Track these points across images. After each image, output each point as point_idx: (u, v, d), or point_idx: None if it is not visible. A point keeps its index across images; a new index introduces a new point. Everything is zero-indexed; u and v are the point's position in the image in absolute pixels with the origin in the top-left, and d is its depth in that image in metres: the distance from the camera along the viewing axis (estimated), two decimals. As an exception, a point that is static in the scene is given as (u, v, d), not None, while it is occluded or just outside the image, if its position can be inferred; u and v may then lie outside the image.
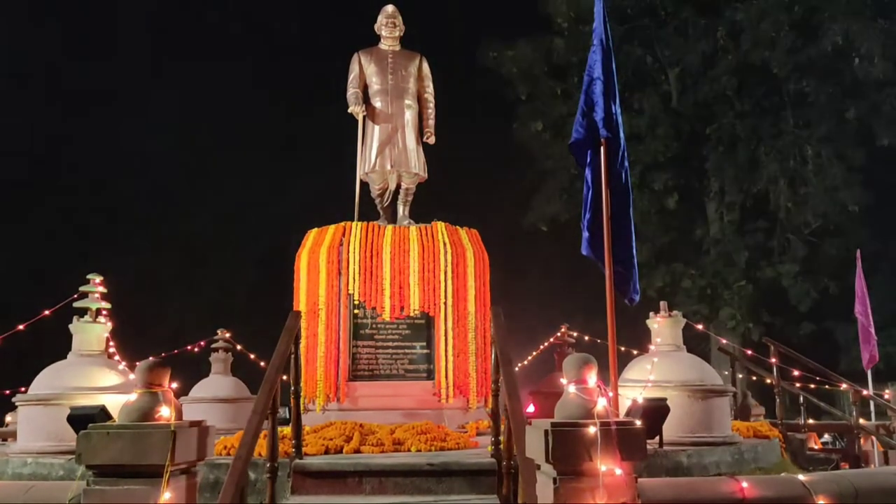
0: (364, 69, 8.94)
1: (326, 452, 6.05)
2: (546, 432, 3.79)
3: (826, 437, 13.78)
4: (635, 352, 9.28)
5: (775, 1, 18.44)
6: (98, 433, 3.98)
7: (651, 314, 7.79)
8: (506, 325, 5.46)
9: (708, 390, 7.12)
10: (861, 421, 10.08)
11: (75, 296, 7.42)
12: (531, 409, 9.98)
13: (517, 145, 21.79)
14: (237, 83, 24.09)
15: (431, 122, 9.00)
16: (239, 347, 10.06)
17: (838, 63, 18.62)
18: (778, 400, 9.47)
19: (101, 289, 7.47)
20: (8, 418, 10.62)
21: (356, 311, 7.95)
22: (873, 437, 10.08)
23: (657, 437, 6.45)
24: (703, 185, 20.35)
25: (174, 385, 4.45)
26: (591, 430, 3.75)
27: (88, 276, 7.48)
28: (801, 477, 5.17)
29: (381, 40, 9.08)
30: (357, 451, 6.16)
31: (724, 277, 19.23)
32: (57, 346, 7.32)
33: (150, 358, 4.43)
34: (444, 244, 8.03)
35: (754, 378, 11.32)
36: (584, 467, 3.76)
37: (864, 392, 10.42)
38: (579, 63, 19.77)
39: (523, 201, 21.77)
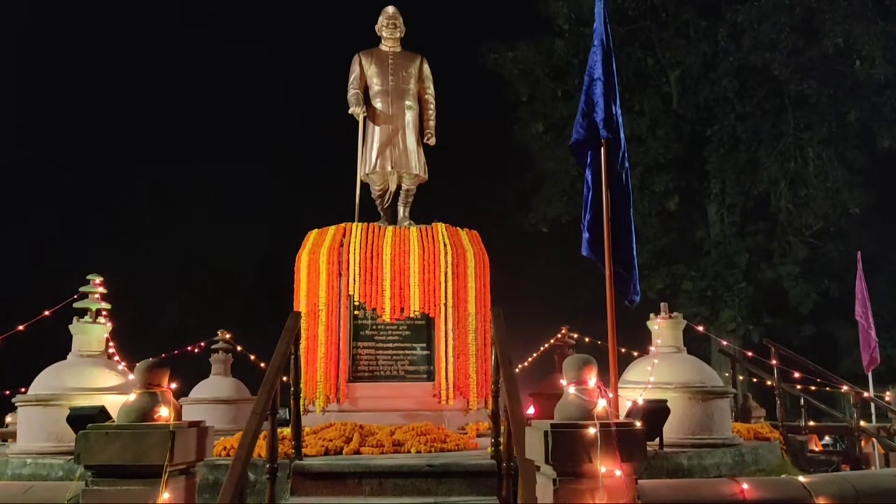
0: (365, 70, 8.94)
1: (326, 453, 6.04)
2: (546, 433, 3.78)
3: (827, 439, 13.76)
4: (636, 353, 9.27)
5: (776, 3, 18.43)
6: (97, 433, 3.98)
7: (651, 316, 7.77)
8: (506, 327, 5.46)
9: (708, 392, 7.11)
10: (862, 423, 10.07)
11: (75, 296, 7.41)
12: (531, 410, 9.97)
13: (518, 146, 21.82)
14: (236, 83, 24.10)
15: (432, 123, 9.00)
16: (239, 348, 10.05)
17: (839, 65, 18.62)
18: (778, 402, 9.46)
19: (101, 289, 7.46)
20: (8, 419, 10.62)
21: (356, 312, 7.94)
22: (874, 440, 10.05)
23: (657, 439, 6.44)
24: (703, 186, 20.35)
25: (173, 385, 4.45)
26: (591, 431, 3.75)
27: (88, 277, 7.47)
28: (801, 479, 5.17)
29: (382, 41, 9.08)
30: (357, 452, 6.15)
31: (725, 279, 19.22)
32: (57, 346, 7.31)
33: (150, 358, 4.43)
34: (445, 245, 8.02)
35: (755, 380, 11.31)
36: (584, 469, 3.75)
37: (865, 394, 10.40)
38: (580, 64, 19.80)
39: (524, 202, 21.79)
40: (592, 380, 4.10)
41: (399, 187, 8.93)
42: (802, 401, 10.06)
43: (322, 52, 20.82)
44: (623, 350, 8.89)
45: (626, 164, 5.75)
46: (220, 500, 4.18)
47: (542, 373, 11.66)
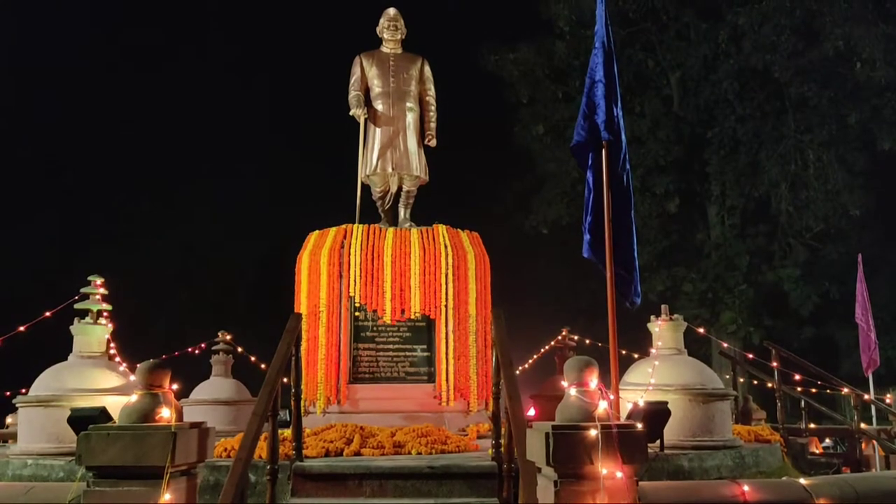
0: (366, 72, 8.94)
1: (327, 455, 6.05)
2: (547, 435, 3.78)
3: (827, 441, 13.76)
4: (636, 355, 9.26)
5: (776, 5, 18.45)
6: (98, 434, 3.98)
7: (652, 317, 7.77)
8: (507, 328, 5.46)
9: (709, 394, 7.11)
10: (862, 425, 10.07)
11: (76, 297, 7.41)
12: (532, 412, 9.96)
13: (518, 148, 21.83)
14: (237, 83, 24.11)
15: (433, 124, 9.00)
16: (239, 349, 10.05)
17: (840, 67, 18.64)
18: (779, 404, 9.46)
19: (103, 290, 7.46)
20: (8, 420, 10.61)
21: (357, 313, 7.94)
22: (874, 442, 10.05)
23: (658, 441, 6.44)
24: (704, 188, 20.36)
25: (175, 387, 4.45)
26: (593, 433, 3.75)
27: (90, 278, 7.47)
28: (802, 481, 5.17)
29: (383, 43, 9.08)
30: (357, 453, 6.15)
31: (726, 281, 19.23)
32: (58, 347, 7.31)
33: (151, 360, 4.43)
34: (446, 247, 8.02)
35: (755, 382, 11.30)
36: (586, 470, 3.76)
37: (866, 396, 10.40)
38: (580, 66, 19.82)
39: (524, 204, 21.80)
40: (593, 382, 4.11)
41: (400, 189, 8.93)
42: (803, 403, 10.06)
43: (323, 53, 20.85)
44: (624, 352, 8.88)
45: (627, 166, 5.75)
46: (220, 500, 4.18)
47: (543, 374, 11.66)
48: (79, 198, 22.32)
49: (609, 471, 3.72)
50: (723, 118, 19.60)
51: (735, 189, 19.64)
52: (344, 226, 8.27)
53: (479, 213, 19.12)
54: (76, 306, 7.36)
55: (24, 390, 7.04)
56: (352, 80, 8.96)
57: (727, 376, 11.79)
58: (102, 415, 5.63)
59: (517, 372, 6.92)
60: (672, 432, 6.67)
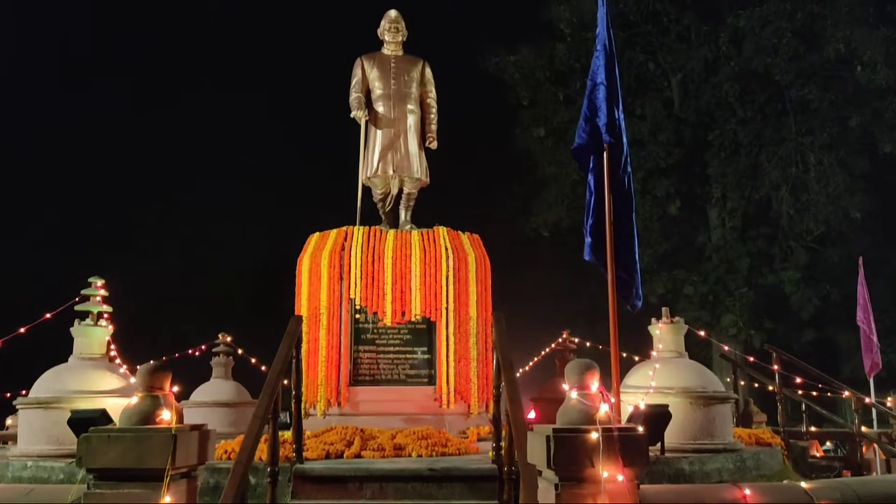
0: (367, 74, 8.95)
1: (327, 457, 6.04)
2: (548, 438, 3.78)
3: (828, 444, 13.75)
4: (637, 358, 9.25)
5: (777, 8, 18.46)
6: (99, 436, 3.98)
7: (653, 320, 7.77)
8: (507, 331, 5.45)
9: (710, 397, 7.10)
10: (863, 429, 10.05)
11: (77, 299, 7.41)
12: (532, 414, 9.95)
13: (519, 150, 21.83)
14: (236, 86, 24.13)
15: (434, 126, 9.01)
16: (240, 351, 10.05)
17: (840, 70, 18.64)
18: (780, 407, 9.44)
19: (103, 292, 7.46)
20: (8, 421, 10.61)
21: (357, 315, 7.94)
22: (875, 445, 10.04)
23: (659, 444, 6.43)
24: (705, 191, 20.35)
25: (175, 389, 4.45)
26: (594, 436, 3.74)
27: (90, 280, 7.47)
28: (803, 484, 5.16)
29: (384, 45, 9.09)
30: (358, 455, 6.15)
31: (726, 284, 19.22)
32: (58, 349, 7.31)
33: (152, 362, 4.43)
34: (446, 249, 8.02)
35: (756, 385, 11.29)
36: (586, 473, 3.75)
37: (867, 400, 10.39)
38: (581, 69, 19.83)
39: (525, 206, 21.80)
40: (594, 385, 4.10)
41: (401, 191, 8.93)
42: (804, 406, 10.05)
43: (323, 54, 20.86)
44: (624, 355, 8.84)
45: (629, 169, 5.75)
46: (221, 503, 4.18)
47: (544, 377, 11.66)
48: (79, 199, 22.32)
49: (610, 474, 3.72)
50: (723, 121, 19.59)
51: (736, 192, 19.63)
52: (345, 228, 8.27)
53: (480, 215, 19.10)
54: (77, 308, 7.36)
55: (24, 392, 7.04)
56: (353, 82, 8.96)
57: (728, 379, 11.76)
58: (103, 417, 5.64)
59: (518, 374, 6.91)
60: (673, 435, 6.67)
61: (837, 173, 18.67)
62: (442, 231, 8.29)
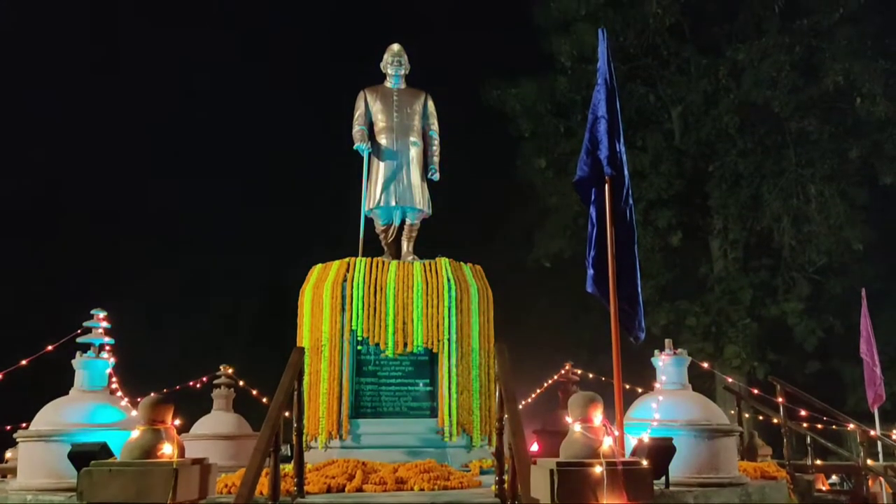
0: (370, 107, 9.03)
1: (328, 491, 5.99)
2: (551, 472, 3.76)
3: (834, 478, 13.62)
4: (640, 389, 9.20)
5: (776, 41, 18.64)
6: (100, 470, 3.96)
7: (656, 352, 7.73)
8: (510, 362, 5.43)
9: (714, 430, 7.04)
10: (869, 462, 9.96)
11: (79, 331, 7.39)
12: (535, 447, 9.88)
13: (521, 182, 21.92)
14: (241, 116, 24.31)
15: (436, 158, 9.07)
16: (241, 383, 10.00)
17: (840, 102, 18.76)
18: (785, 440, 9.36)
19: (105, 324, 7.45)
20: (8, 454, 10.52)
21: (359, 347, 7.92)
22: (881, 479, 9.95)
23: (663, 478, 6.37)
24: (706, 222, 20.39)
25: (177, 422, 4.43)
26: (598, 469, 3.72)
27: (93, 312, 7.46)
28: (809, 519, 5.10)
29: (387, 78, 9.19)
30: (359, 489, 6.09)
31: (729, 315, 19.16)
32: (59, 381, 7.28)
33: (153, 395, 4.42)
34: (448, 280, 8.02)
35: (761, 417, 11.20)
36: (591, 508, 3.72)
37: (872, 432, 10.31)
38: (582, 101, 19.98)
39: (527, 238, 21.83)
40: (598, 417, 4.09)
41: (403, 222, 8.96)
42: (809, 439, 9.97)
43: (326, 86, 21.07)
44: (627, 386, 8.82)
45: (630, 201, 5.78)
46: (221, 538, 4.14)
47: (546, 409, 11.57)
48: (81, 230, 22.39)
49: (614, 509, 3.68)
50: (724, 152, 19.69)
51: (737, 223, 19.66)
52: (347, 259, 8.29)
53: (482, 246, 19.19)
54: (78, 340, 7.34)
55: (24, 424, 6.99)
56: (356, 115, 9.05)
57: (732, 412, 11.68)
58: (103, 450, 5.59)
59: (520, 406, 6.88)
60: (677, 469, 6.60)
61: (838, 204, 18.71)
62: (444, 262, 8.30)
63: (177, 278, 22.53)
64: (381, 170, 8.81)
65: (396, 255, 8.92)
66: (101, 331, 7.38)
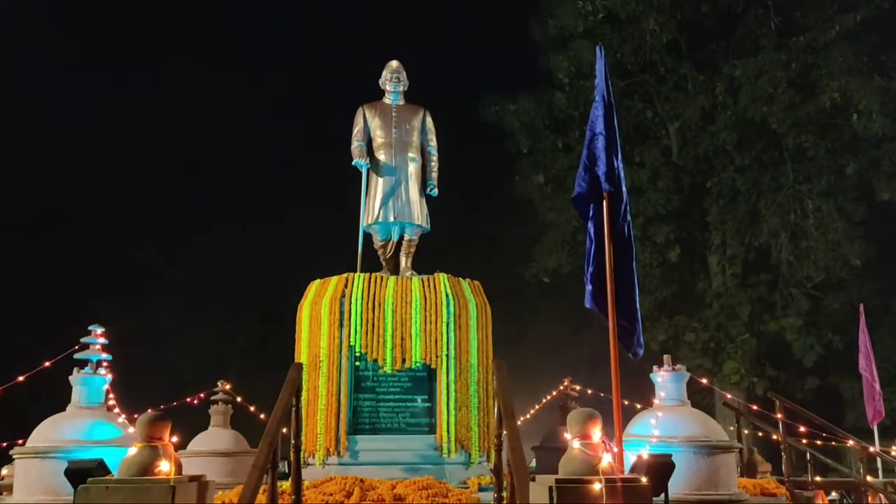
0: (368, 122, 9.06)
1: (326, 508, 5.96)
2: (551, 489, 3.74)
3: (833, 494, 13.53)
4: (639, 405, 9.18)
5: (772, 58, 18.75)
6: (97, 487, 3.94)
7: (654, 368, 7.72)
8: (508, 378, 5.42)
9: (713, 446, 7.03)
10: (868, 478, 9.93)
11: (76, 347, 7.38)
12: (534, 464, 9.83)
13: (519, 198, 21.99)
14: (239, 132, 24.39)
15: (435, 174, 9.09)
16: (239, 399, 9.97)
17: (836, 119, 18.85)
18: (784, 456, 9.33)
19: (103, 340, 7.44)
20: (4, 471, 10.46)
21: (357, 363, 7.89)
22: (881, 495, 9.91)
23: (663, 495, 6.34)
24: (704, 238, 20.43)
25: (174, 439, 4.41)
26: (597, 486, 3.71)
27: (90, 328, 7.46)
28: (810, 536, 5.08)
29: (386, 94, 9.22)
30: (357, 506, 6.06)
31: (728, 331, 19.16)
32: (56, 397, 7.26)
33: (151, 411, 4.40)
34: (447, 296, 8.01)
35: (760, 434, 11.18)
36: (590, 525, 3.70)
37: (871, 448, 10.28)
38: (580, 117, 20.07)
39: (525, 253, 21.86)
40: (597, 434, 4.08)
41: (401, 238, 8.96)
42: (808, 455, 9.94)
43: (326, 101, 21.13)
44: (626, 402, 8.80)
45: (629, 217, 5.79)
46: (218, 556, 4.11)
47: (545, 425, 11.54)
48: (79, 246, 22.38)
49: (614, 526, 3.67)
50: (721, 168, 19.77)
51: (735, 238, 19.70)
52: (345, 275, 8.27)
53: (481, 261, 19.22)
54: (76, 356, 7.33)
55: (21, 441, 6.97)
56: (354, 131, 9.07)
57: (731, 428, 11.66)
58: (100, 467, 5.56)
59: (519, 422, 6.85)
60: (677, 486, 6.57)
61: (836, 220, 18.76)
62: (442, 278, 8.29)
63: (175, 294, 22.53)
64: (379, 185, 8.82)
65: (395, 270, 8.92)
66: (98, 347, 7.37)
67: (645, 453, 6.42)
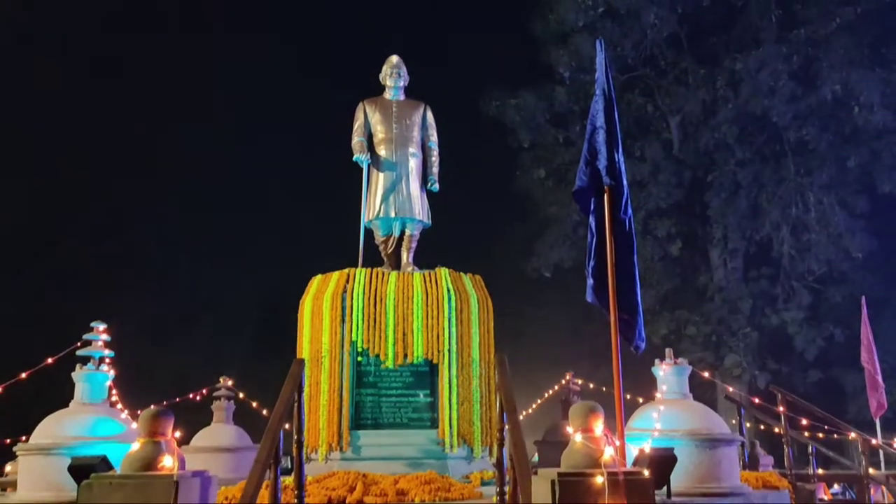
0: (369, 118, 9.05)
1: (329, 503, 5.97)
2: (553, 482, 3.75)
3: (836, 487, 13.57)
4: (641, 399, 9.19)
5: (773, 51, 18.70)
6: (101, 483, 3.95)
7: (656, 361, 7.73)
8: (510, 373, 5.43)
9: (715, 439, 7.03)
10: (871, 471, 9.93)
11: (78, 343, 7.39)
12: (536, 458, 9.85)
13: (520, 192, 21.99)
14: (240, 129, 24.36)
15: (436, 169, 9.09)
16: (241, 395, 9.99)
17: (838, 111, 18.81)
18: (786, 449, 9.34)
19: (105, 336, 7.45)
20: (8, 468, 10.50)
21: (359, 358, 7.91)
22: (883, 487, 9.93)
23: (665, 488, 6.35)
24: (706, 231, 20.42)
25: (177, 434, 4.42)
26: (599, 480, 3.71)
27: (92, 324, 7.46)
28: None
29: (386, 90, 9.21)
30: (360, 501, 6.07)
31: (729, 324, 19.17)
32: (59, 394, 7.27)
33: (154, 407, 4.41)
34: (448, 290, 8.02)
35: (762, 427, 11.18)
36: (592, 519, 3.71)
37: (874, 441, 10.29)
38: (581, 111, 20.06)
39: (526, 247, 21.86)
40: (599, 428, 4.08)
41: (403, 233, 8.97)
42: (811, 448, 9.95)
43: (326, 97, 21.12)
44: (628, 396, 8.82)
45: (629, 211, 5.79)
46: (222, 551, 4.13)
47: (547, 419, 11.56)
48: (81, 242, 22.40)
49: (616, 519, 3.67)
50: (723, 162, 19.74)
51: (737, 232, 19.69)
52: (347, 270, 8.28)
53: (482, 256, 19.17)
54: (78, 353, 7.34)
55: (24, 438, 6.99)
56: (355, 126, 9.07)
57: (733, 421, 11.68)
58: (103, 463, 5.57)
59: (521, 417, 6.86)
60: (679, 479, 6.58)
61: (837, 213, 18.75)
62: (444, 272, 8.30)
63: (176, 290, 22.53)
64: (380, 181, 8.82)
65: (396, 265, 8.92)
66: (100, 343, 7.38)
67: (647, 447, 6.44)
